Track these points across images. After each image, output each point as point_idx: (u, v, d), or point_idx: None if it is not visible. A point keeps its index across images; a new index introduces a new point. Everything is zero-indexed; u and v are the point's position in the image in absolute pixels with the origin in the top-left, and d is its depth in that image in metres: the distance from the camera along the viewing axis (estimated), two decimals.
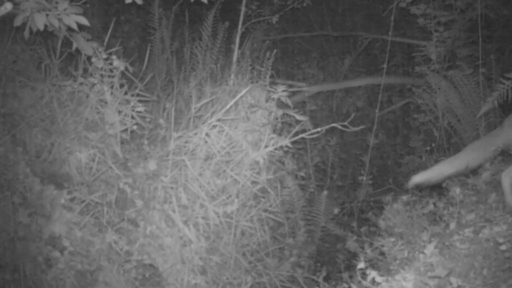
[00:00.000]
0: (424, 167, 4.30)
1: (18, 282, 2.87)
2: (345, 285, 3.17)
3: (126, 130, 3.47)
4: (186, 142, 3.61)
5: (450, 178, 3.29)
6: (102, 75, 3.42)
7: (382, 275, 2.65)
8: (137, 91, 3.58)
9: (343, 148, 5.31)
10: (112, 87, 3.45)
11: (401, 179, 4.81)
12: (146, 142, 3.55)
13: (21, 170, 3.15)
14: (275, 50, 4.14)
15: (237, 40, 4.26)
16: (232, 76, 4.12)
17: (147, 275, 3.18)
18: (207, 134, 3.60)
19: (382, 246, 3.12)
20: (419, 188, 3.26)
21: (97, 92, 3.43)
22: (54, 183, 3.20)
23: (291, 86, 4.47)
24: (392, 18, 4.13)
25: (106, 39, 3.49)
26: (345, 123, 3.59)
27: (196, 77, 4.14)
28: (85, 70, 3.42)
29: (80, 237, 3.11)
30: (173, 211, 3.37)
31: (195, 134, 3.61)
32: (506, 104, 3.66)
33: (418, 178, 3.15)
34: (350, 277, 3.18)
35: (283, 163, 4.03)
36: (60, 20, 2.60)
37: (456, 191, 3.45)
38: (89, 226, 3.16)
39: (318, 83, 5.40)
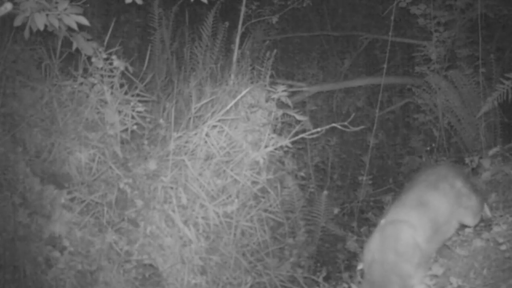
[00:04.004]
0: (424, 167, 4.31)
1: (18, 282, 2.87)
2: (345, 285, 3.18)
3: (126, 130, 3.47)
4: (186, 142, 3.61)
5: None
6: (102, 75, 3.41)
7: None
8: (137, 91, 3.58)
9: (343, 148, 5.31)
10: (112, 87, 3.44)
11: (401, 179, 4.82)
12: (146, 142, 3.55)
13: (21, 170, 3.15)
14: (275, 50, 4.14)
15: (237, 40, 4.26)
16: (232, 76, 4.11)
17: (147, 275, 3.18)
18: (207, 134, 3.60)
19: None
20: None
21: (97, 92, 3.42)
22: (54, 183, 3.20)
23: (291, 86, 4.47)
24: (392, 18, 4.13)
25: (106, 39, 3.49)
26: (345, 123, 3.58)
27: (196, 77, 4.13)
28: (85, 70, 3.42)
29: (80, 237, 3.11)
30: (173, 211, 3.37)
31: (195, 134, 3.61)
32: (506, 104, 3.66)
33: None
34: (350, 277, 3.19)
35: (283, 163, 4.03)
36: (60, 20, 2.61)
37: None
38: (89, 226, 3.16)
39: (318, 83, 5.40)
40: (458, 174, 2.85)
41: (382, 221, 2.63)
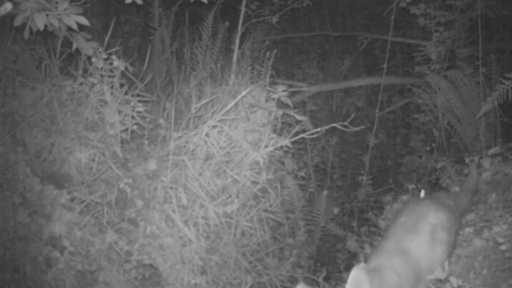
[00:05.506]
0: (424, 167, 4.31)
1: (18, 282, 2.88)
2: (345, 285, 3.17)
3: (126, 130, 3.47)
4: (186, 142, 3.61)
5: None
6: (102, 75, 3.42)
7: None
8: (137, 91, 3.58)
9: (343, 148, 5.31)
10: (112, 87, 3.45)
11: (401, 179, 4.83)
12: (146, 142, 3.55)
13: (21, 170, 3.15)
14: (275, 50, 4.13)
15: (237, 40, 4.26)
16: (232, 76, 4.11)
17: (147, 275, 3.18)
18: (207, 134, 3.60)
19: None
20: None
21: (97, 92, 3.43)
22: (54, 183, 3.20)
23: (291, 86, 4.46)
24: (392, 18, 4.12)
25: (106, 39, 3.49)
26: (345, 123, 3.58)
27: (196, 77, 4.14)
28: (85, 70, 3.42)
29: (80, 237, 3.11)
30: (173, 211, 3.37)
31: (195, 134, 3.61)
32: (506, 104, 3.66)
33: None
34: None
35: (283, 163, 4.03)
36: (60, 20, 2.61)
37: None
38: (89, 226, 3.16)
39: (318, 83, 5.40)
40: (440, 217, 2.56)
41: (359, 266, 2.37)
